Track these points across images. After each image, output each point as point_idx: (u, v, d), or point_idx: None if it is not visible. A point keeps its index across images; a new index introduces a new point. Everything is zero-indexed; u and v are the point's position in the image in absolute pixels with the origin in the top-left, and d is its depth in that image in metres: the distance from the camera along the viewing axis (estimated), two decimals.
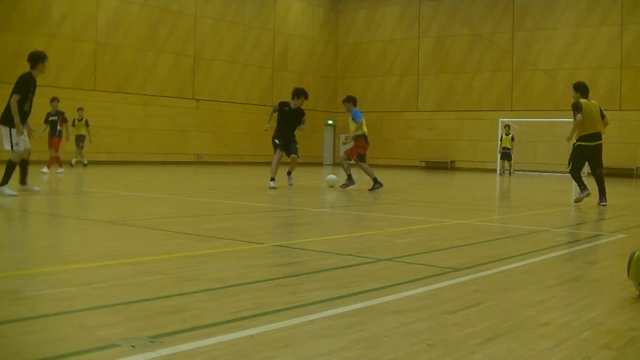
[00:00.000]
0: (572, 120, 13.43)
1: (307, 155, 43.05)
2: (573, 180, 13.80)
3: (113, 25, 33.80)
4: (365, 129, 17.39)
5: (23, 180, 12.72)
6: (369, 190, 16.31)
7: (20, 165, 12.57)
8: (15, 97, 12.12)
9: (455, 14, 41.23)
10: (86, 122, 27.67)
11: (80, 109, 27.87)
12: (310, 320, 3.95)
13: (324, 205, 13.68)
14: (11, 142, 12.18)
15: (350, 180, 17.42)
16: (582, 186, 13.51)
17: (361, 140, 17.27)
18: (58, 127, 23.15)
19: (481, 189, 21.47)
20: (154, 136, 34.86)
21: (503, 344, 3.60)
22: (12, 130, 12.20)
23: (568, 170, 13.90)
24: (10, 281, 4.92)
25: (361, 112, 17.52)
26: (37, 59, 12.59)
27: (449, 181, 25.96)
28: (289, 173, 17.75)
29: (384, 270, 5.79)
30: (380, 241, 7.75)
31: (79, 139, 27.69)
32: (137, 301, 4.28)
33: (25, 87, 12.30)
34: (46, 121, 23.27)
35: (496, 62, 39.97)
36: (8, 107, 12.17)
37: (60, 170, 22.25)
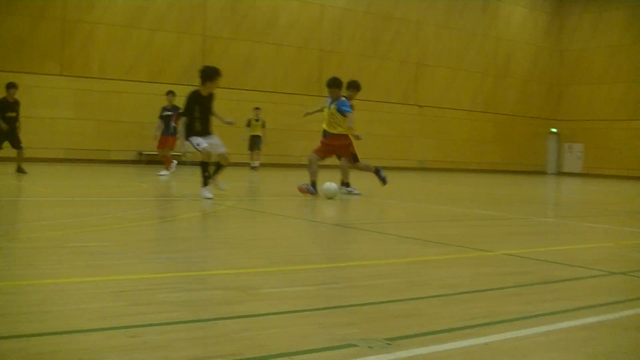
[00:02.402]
0: None
1: (530, 163, 42.21)
2: None
3: (337, 32, 34.46)
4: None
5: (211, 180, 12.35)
6: (300, 188, 13.50)
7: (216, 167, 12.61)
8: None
9: None
10: (263, 123, 27.68)
11: (257, 108, 27.97)
12: (546, 332, 3.86)
13: (548, 214, 13.40)
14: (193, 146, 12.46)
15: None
16: None
17: (347, 138, 14.13)
18: (172, 124, 20.48)
19: None
20: (378, 141, 35.17)
21: None
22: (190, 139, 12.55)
23: None
24: (250, 278, 5.13)
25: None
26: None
27: None
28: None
29: (619, 284, 5.59)
30: (613, 254, 7.49)
31: (254, 140, 27.53)
32: (371, 303, 4.34)
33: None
34: (160, 116, 21.09)
35: None
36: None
37: (164, 172, 20.24)
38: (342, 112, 13.80)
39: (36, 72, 27.32)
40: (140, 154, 28.93)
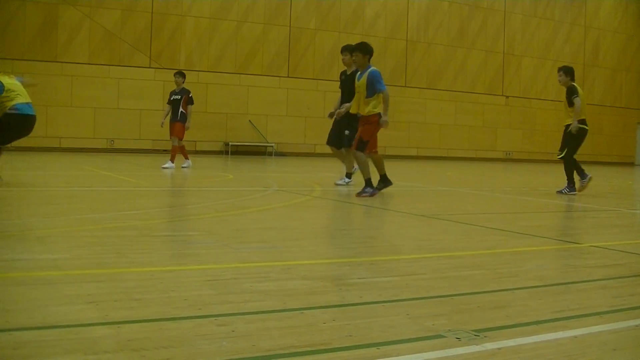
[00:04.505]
0: None
1: (618, 154, 41.34)
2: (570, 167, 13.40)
3: (424, 22, 34.29)
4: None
5: None
6: (357, 194, 11.33)
7: None
8: None
9: None
10: None
11: None
12: (636, 325, 3.79)
13: (638, 207, 13.13)
14: None
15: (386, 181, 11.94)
16: (582, 172, 13.36)
17: (375, 118, 11.46)
18: (180, 109, 17.89)
19: None
20: (464, 132, 34.97)
21: None
22: None
23: (562, 156, 13.46)
24: (337, 268, 5.15)
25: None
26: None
27: None
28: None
29: None
30: None
31: None
32: (459, 294, 4.31)
33: None
34: (169, 101, 18.43)
35: None
36: None
37: (187, 164, 18.22)
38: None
39: (125, 65, 27.86)
40: (227, 144, 29.26)
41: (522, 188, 15.62)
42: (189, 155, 18.47)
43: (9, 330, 3.21)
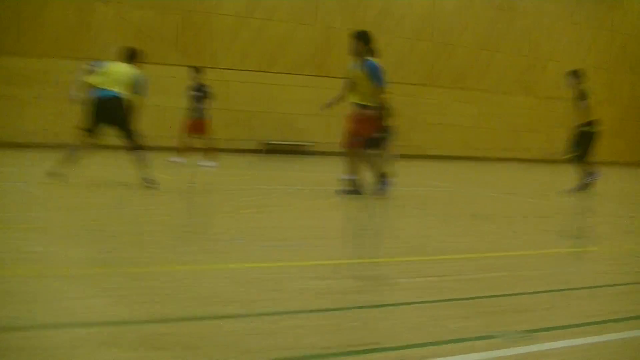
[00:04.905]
0: None
1: None
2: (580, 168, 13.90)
3: (450, 24, 34.20)
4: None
5: None
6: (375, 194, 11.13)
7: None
8: None
9: None
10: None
11: None
12: None
13: None
14: None
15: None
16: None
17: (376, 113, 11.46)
18: (200, 106, 17.54)
19: None
20: (489, 134, 34.80)
21: None
22: None
23: (571, 157, 14.02)
24: (373, 267, 5.26)
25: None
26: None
27: None
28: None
29: None
30: None
31: None
32: (483, 297, 4.35)
33: None
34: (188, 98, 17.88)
35: None
36: None
37: (212, 163, 17.44)
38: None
39: (150, 62, 27.96)
40: (262, 143, 29.33)
41: (546, 191, 15.54)
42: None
43: (37, 323, 3.27)
